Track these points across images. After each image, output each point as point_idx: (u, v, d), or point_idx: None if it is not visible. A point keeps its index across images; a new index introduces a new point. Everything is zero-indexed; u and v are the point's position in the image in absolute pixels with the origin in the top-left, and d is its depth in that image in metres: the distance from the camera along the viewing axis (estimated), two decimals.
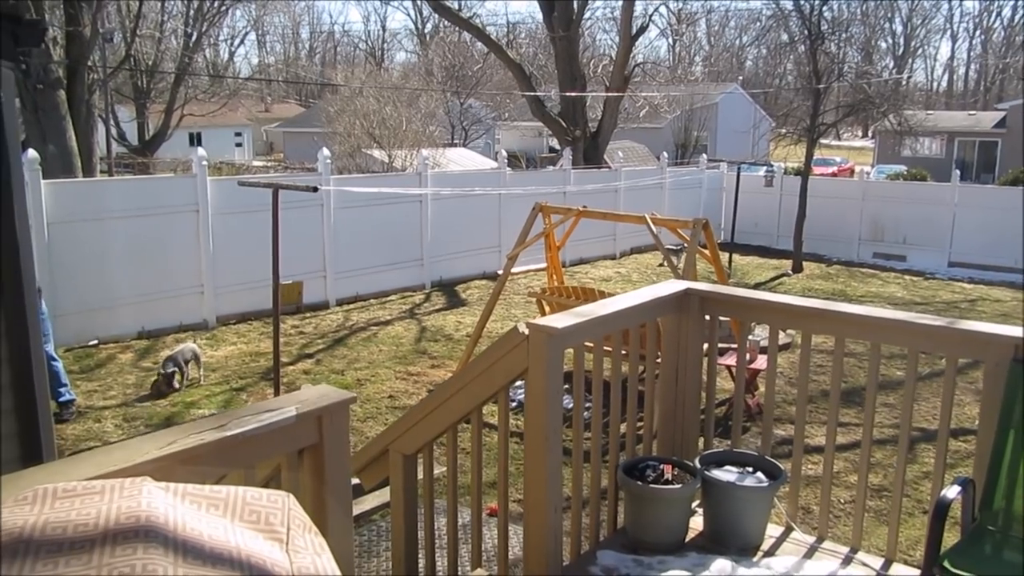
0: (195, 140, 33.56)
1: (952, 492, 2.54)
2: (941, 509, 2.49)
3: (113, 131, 25.95)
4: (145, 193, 9.52)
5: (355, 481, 3.77)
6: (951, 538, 2.68)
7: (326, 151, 11.39)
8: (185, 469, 1.78)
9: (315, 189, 6.98)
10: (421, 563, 3.36)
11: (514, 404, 6.34)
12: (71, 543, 1.11)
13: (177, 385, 7.65)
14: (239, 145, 42.59)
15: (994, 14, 62.52)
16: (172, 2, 26.70)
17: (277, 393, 6.56)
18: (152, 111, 28.48)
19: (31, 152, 8.48)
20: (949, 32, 67.11)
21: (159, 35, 26.14)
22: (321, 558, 1.43)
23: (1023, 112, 33.84)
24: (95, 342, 8.83)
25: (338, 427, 2.16)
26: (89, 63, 13.55)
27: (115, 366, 8.30)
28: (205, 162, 9.82)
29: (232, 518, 1.40)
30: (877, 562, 3.07)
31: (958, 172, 17.41)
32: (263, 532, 1.41)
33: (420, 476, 3.31)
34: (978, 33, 64.26)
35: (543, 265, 8.93)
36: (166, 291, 9.41)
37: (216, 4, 26.82)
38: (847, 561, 3.07)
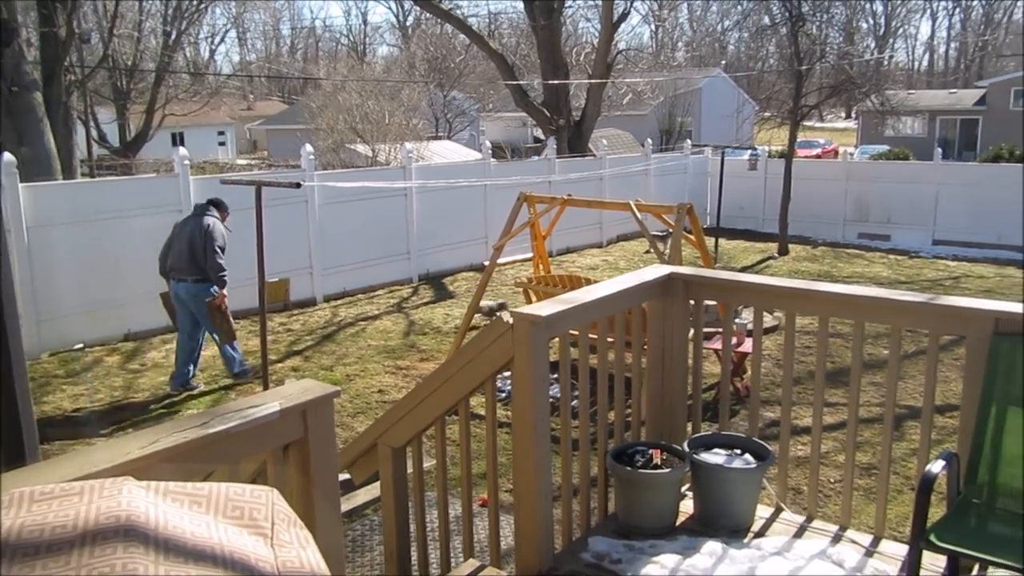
0: (178, 140, 33.32)
1: (936, 467, 2.56)
2: (926, 484, 2.51)
3: (93, 133, 25.76)
4: (127, 194, 9.45)
5: (346, 476, 3.77)
6: (939, 513, 2.70)
7: (309, 147, 11.34)
8: (169, 467, 1.77)
9: (298, 185, 6.94)
10: (414, 556, 3.36)
11: (504, 395, 6.35)
12: (48, 545, 1.10)
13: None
14: (222, 144, 42.34)
15: None
16: (150, 1, 26.46)
17: (266, 390, 6.55)
18: (133, 112, 28.27)
19: (6, 155, 8.39)
20: (928, 11, 67.39)
21: (137, 35, 25.91)
22: (306, 551, 1.43)
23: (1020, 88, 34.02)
24: (80, 346, 8.77)
25: (323, 421, 2.16)
26: (66, 64, 13.42)
27: (102, 369, 8.25)
28: (187, 161, 9.75)
29: (215, 514, 1.40)
30: (866, 539, 3.09)
31: (940, 150, 17.47)
32: (247, 527, 1.40)
33: (410, 469, 3.31)
34: (957, 11, 64.53)
35: (530, 255, 8.93)
36: (152, 292, 9.31)
37: (195, 2, 26.61)
38: (836, 539, 3.09)
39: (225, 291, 7.21)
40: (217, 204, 7.41)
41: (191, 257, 7.15)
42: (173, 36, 26.42)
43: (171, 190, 9.58)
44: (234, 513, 1.41)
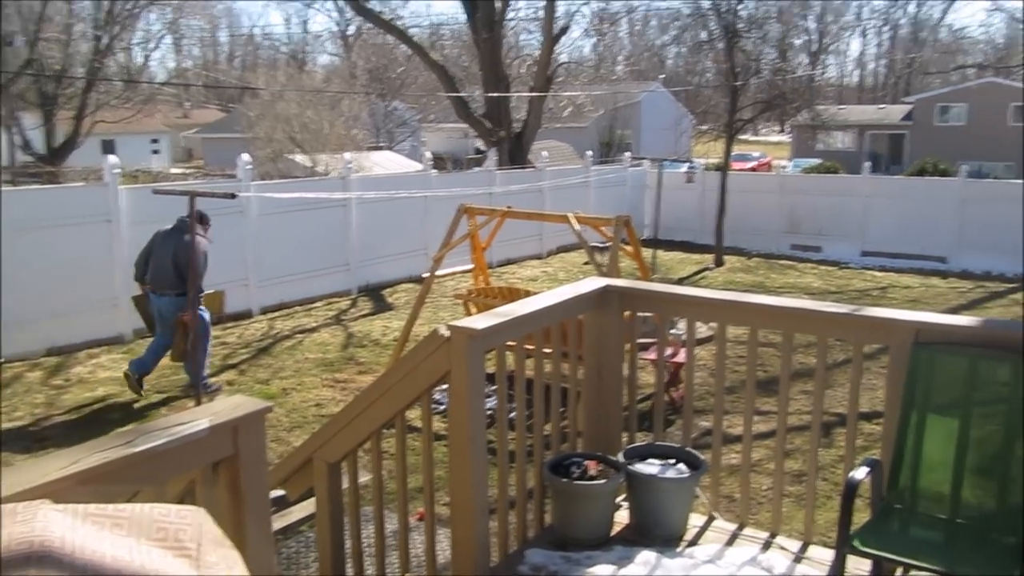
0: (109, 148, 32.37)
1: (860, 473, 2.64)
2: (850, 490, 2.59)
3: (16, 139, 24.88)
4: (52, 204, 9.13)
5: (281, 492, 3.70)
6: (866, 518, 2.78)
7: (246, 156, 11.14)
8: (90, 489, 1.72)
9: (233, 196, 6.83)
10: (350, 572, 3.32)
11: (441, 408, 6.33)
12: None
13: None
14: (156, 152, 41.31)
15: (900, 10, 65.33)
16: (80, 4, 25.69)
17: (199, 405, 6.38)
18: (61, 118, 27.31)
19: None
20: (859, 28, 69.73)
21: (66, 38, 25.11)
22: (234, 572, 1.41)
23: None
24: None
25: (254, 438, 2.12)
26: None
27: (22, 385, 7.94)
28: (117, 170, 9.47)
29: (138, 537, 1.36)
30: (795, 545, 3.17)
31: (869, 164, 18.05)
32: (172, 549, 1.37)
33: (346, 484, 3.27)
34: (886, 29, 67.02)
35: (470, 267, 8.93)
36: (77, 305, 9.03)
37: (128, 6, 25.93)
38: (766, 546, 3.16)
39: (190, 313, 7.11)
40: (199, 218, 7.22)
41: (176, 274, 7.12)
42: (105, 41, 25.65)
43: (100, 200, 9.30)
44: (158, 535, 1.38)
